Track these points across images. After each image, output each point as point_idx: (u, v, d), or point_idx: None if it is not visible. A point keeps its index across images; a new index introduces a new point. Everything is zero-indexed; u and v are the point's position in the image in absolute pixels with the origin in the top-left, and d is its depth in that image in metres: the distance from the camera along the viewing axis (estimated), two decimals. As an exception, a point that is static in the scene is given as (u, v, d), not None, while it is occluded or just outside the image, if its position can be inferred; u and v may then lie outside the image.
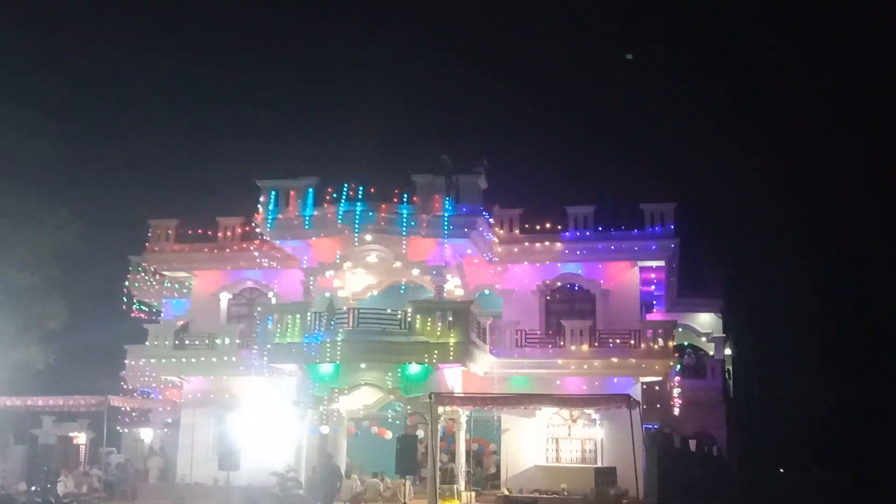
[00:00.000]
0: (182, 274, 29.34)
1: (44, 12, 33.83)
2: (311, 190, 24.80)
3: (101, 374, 32.44)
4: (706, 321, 35.93)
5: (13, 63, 29.76)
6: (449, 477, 23.95)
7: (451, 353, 23.16)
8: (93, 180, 33.85)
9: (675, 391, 30.82)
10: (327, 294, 26.06)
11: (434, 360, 23.24)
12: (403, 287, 26.62)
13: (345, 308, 24.20)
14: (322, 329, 23.45)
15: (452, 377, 24.71)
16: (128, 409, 29.28)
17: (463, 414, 24.30)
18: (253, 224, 26.12)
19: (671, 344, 25.50)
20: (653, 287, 29.18)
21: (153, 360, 27.24)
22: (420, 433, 24.40)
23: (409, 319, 23.27)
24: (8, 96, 29.69)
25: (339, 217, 24.16)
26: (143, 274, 30.34)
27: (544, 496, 24.27)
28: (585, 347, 25.42)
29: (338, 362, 23.35)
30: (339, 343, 23.10)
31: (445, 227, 24.33)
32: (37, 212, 29.67)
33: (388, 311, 23.61)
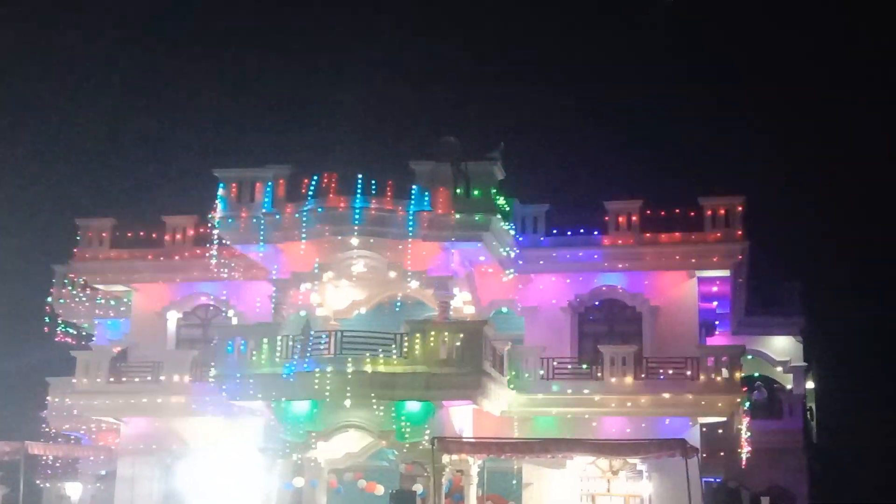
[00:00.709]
0: (119, 287, 29.42)
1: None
2: (282, 181, 24.94)
3: (16, 414, 32.42)
4: (782, 346, 35.96)
5: None
6: (456, 544, 24.06)
7: (460, 387, 23.26)
8: (9, 170, 34.04)
9: (744, 435, 30.81)
10: (303, 313, 26.05)
11: (438, 396, 23.31)
12: (399, 304, 26.72)
13: (325, 330, 24.25)
14: (296, 357, 23.53)
15: (461, 417, 24.70)
16: (50, 458, 29.32)
17: (474, 464, 24.33)
18: (209, 224, 26.23)
19: (738, 375, 25.54)
20: (715, 303, 29.25)
21: (82, 397, 27.28)
22: (419, 488, 24.39)
23: (405, 344, 23.36)
24: None
25: (317, 215, 24.24)
26: (69, 287, 30.41)
27: (578, 568, 24.40)
28: (629, 380, 25.47)
29: (315, 399, 23.41)
30: (318, 374, 23.17)
31: (452, 228, 24.44)
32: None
33: (380, 333, 23.71)
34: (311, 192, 24.45)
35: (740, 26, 49.10)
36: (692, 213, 26.67)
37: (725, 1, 47.91)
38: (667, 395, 25.30)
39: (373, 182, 24.36)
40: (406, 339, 23.39)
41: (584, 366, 26.16)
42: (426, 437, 22.92)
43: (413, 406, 23.36)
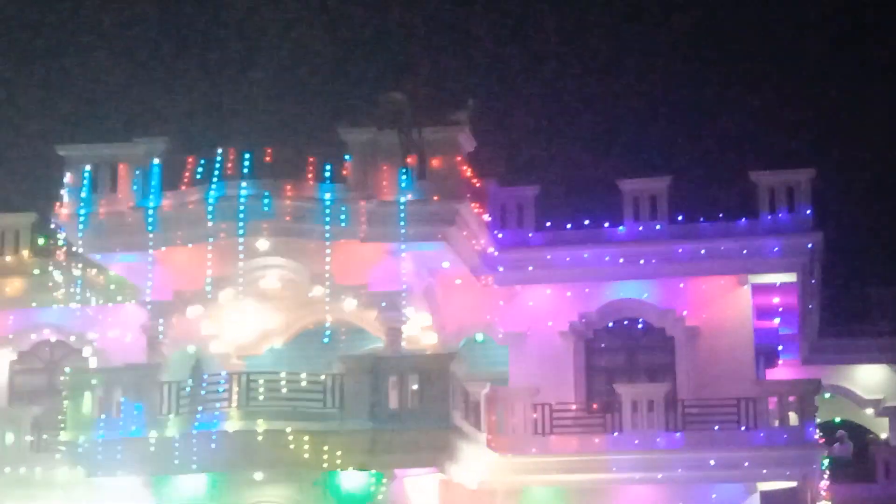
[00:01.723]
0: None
1: None
2: (156, 163, 25.03)
3: None
4: (873, 380, 35.77)
5: None
6: None
7: (419, 450, 23.28)
8: None
9: (822, 505, 31.01)
10: (191, 349, 26.16)
11: (387, 463, 23.32)
12: (329, 333, 26.33)
13: (224, 373, 24.31)
14: (184, 412, 23.51)
15: (422, 493, 24.80)
16: None
17: (442, 558, 24.48)
18: (52, 225, 26.16)
19: (813, 420, 25.70)
20: (777, 321, 29.46)
21: None
22: None
23: (340, 391, 23.35)
24: None
25: (210, 207, 24.24)
26: None
27: None
28: (659, 432, 25.62)
29: (213, 472, 23.40)
30: (215, 437, 23.12)
31: (402, 222, 24.44)
32: None
33: (304, 376, 23.77)
34: (200, 175, 24.55)
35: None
36: (742, 195, 27.21)
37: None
38: (713, 454, 25.41)
39: (287, 160, 24.61)
40: (340, 382, 23.38)
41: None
42: (373, 523, 22.97)
43: (353, 478, 23.42)
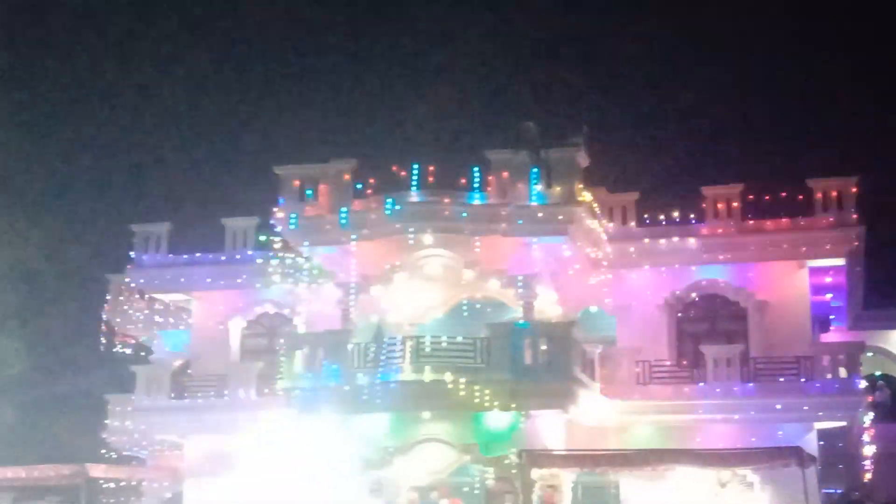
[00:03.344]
0: (179, 296, 29.88)
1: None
2: (346, 177, 25.35)
3: (74, 435, 32.93)
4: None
5: None
6: (550, 567, 24.05)
7: (548, 396, 23.37)
8: (61, 183, 34.89)
9: (866, 442, 30.28)
10: (374, 319, 26.42)
11: (524, 406, 23.42)
12: (477, 306, 26.89)
13: (399, 337, 24.52)
14: (369, 366, 23.85)
15: (550, 429, 24.75)
16: (112, 481, 29.52)
17: (567, 479, 24.32)
18: (271, 226, 26.66)
19: (858, 373, 25.37)
20: (829, 296, 28.99)
21: (144, 415, 27.75)
22: (508, 506, 24.49)
23: (487, 350, 23.52)
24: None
25: (388, 212, 24.55)
26: (126, 298, 30.86)
27: None
28: (735, 383, 25.41)
29: (392, 412, 23.68)
30: (393, 385, 23.46)
31: (534, 221, 24.56)
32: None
33: (459, 339, 23.95)
34: (380, 188, 24.87)
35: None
36: (800, 197, 26.51)
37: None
38: (778, 399, 25.16)
39: (445, 175, 24.80)
40: (487, 344, 23.55)
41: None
42: (514, 451, 22.99)
43: (498, 417, 23.49)
